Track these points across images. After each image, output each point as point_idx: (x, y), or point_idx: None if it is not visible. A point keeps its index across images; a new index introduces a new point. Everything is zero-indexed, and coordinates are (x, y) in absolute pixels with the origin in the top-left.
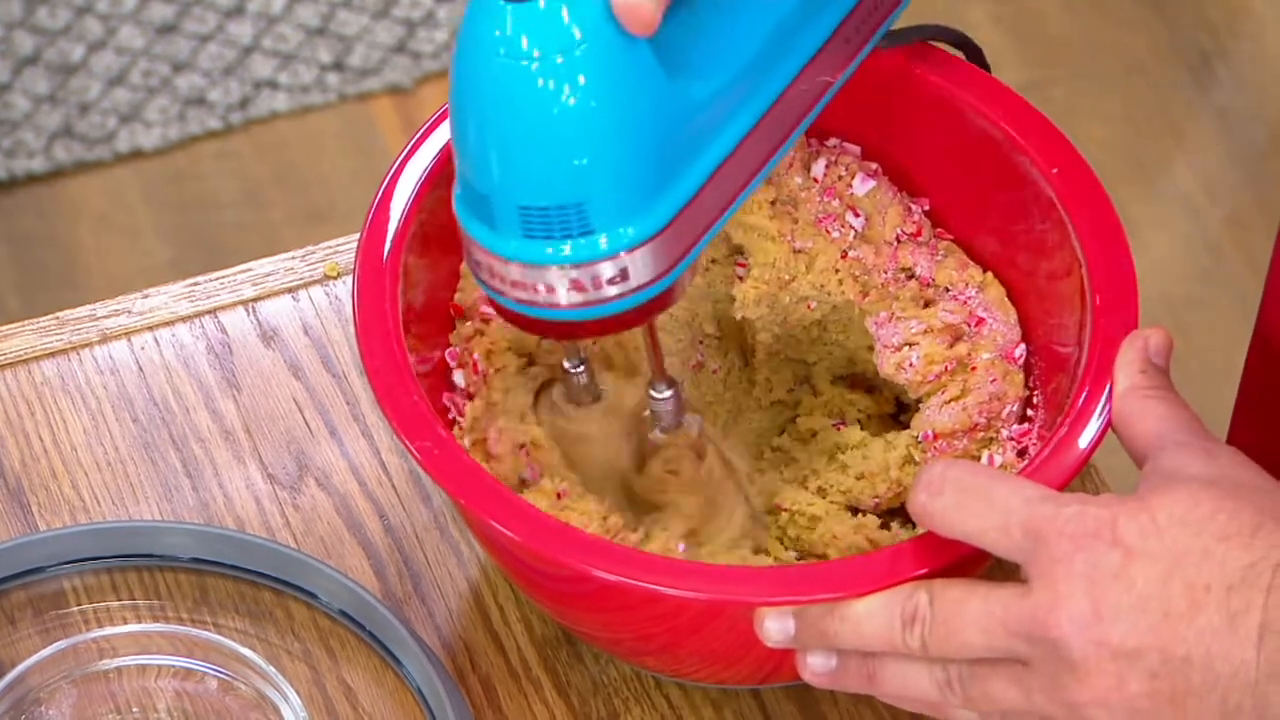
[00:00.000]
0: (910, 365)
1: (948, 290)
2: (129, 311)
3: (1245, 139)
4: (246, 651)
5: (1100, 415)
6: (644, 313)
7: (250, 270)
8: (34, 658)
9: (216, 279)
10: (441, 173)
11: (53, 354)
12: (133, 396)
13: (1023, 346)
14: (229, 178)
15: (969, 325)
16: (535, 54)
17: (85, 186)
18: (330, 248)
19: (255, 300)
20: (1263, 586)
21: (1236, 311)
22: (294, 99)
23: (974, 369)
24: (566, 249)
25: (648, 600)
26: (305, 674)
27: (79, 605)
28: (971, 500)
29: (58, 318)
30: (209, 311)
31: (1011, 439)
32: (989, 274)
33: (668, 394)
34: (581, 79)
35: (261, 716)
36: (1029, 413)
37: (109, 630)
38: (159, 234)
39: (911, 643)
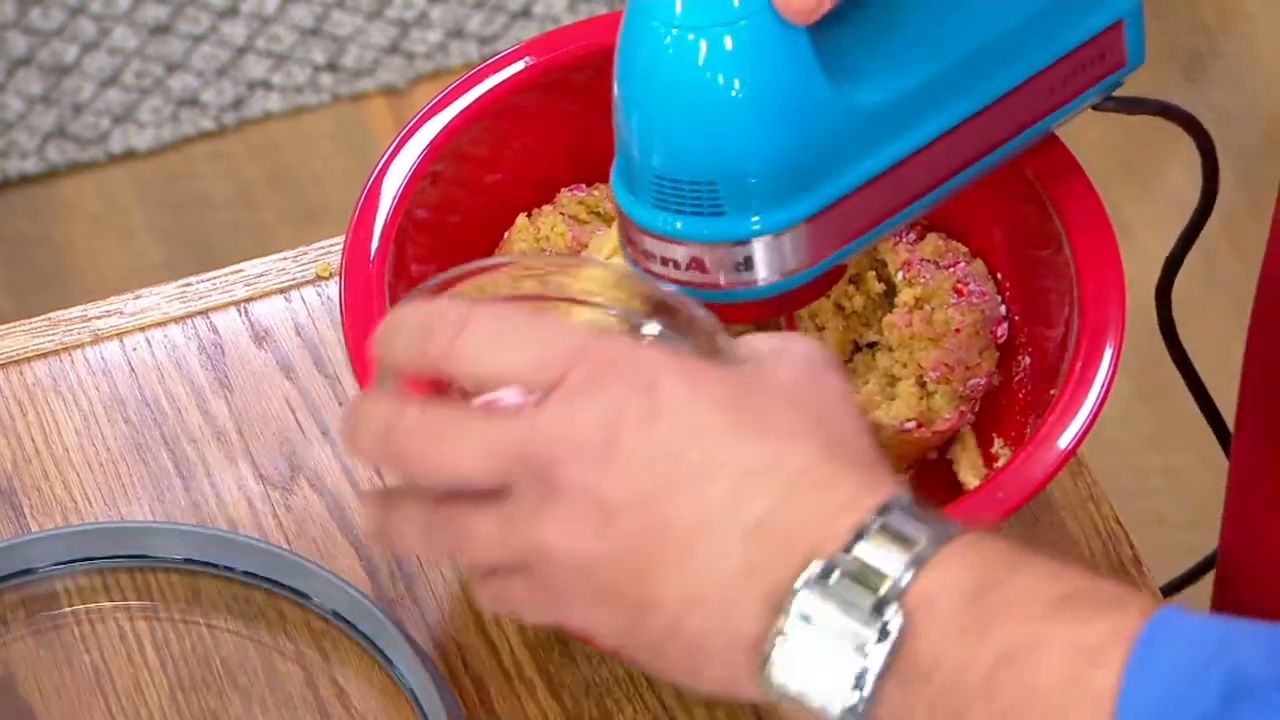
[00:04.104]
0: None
1: (934, 264)
2: (121, 312)
3: (1239, 140)
4: None
5: (1086, 413)
6: (770, 307)
7: (242, 271)
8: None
9: (209, 280)
10: (426, 171)
11: (44, 355)
12: (125, 397)
13: (1005, 326)
14: (222, 178)
15: (955, 296)
16: (687, 22)
17: (78, 187)
18: (323, 248)
19: (247, 301)
20: (780, 482)
21: (1230, 311)
22: (287, 99)
23: (958, 330)
24: (693, 225)
25: None
26: (297, 675)
27: (71, 606)
28: (510, 333)
29: (49, 318)
30: (201, 312)
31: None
32: (978, 259)
33: None
34: (728, 54)
35: None
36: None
37: (100, 630)
38: (152, 235)
39: (431, 350)
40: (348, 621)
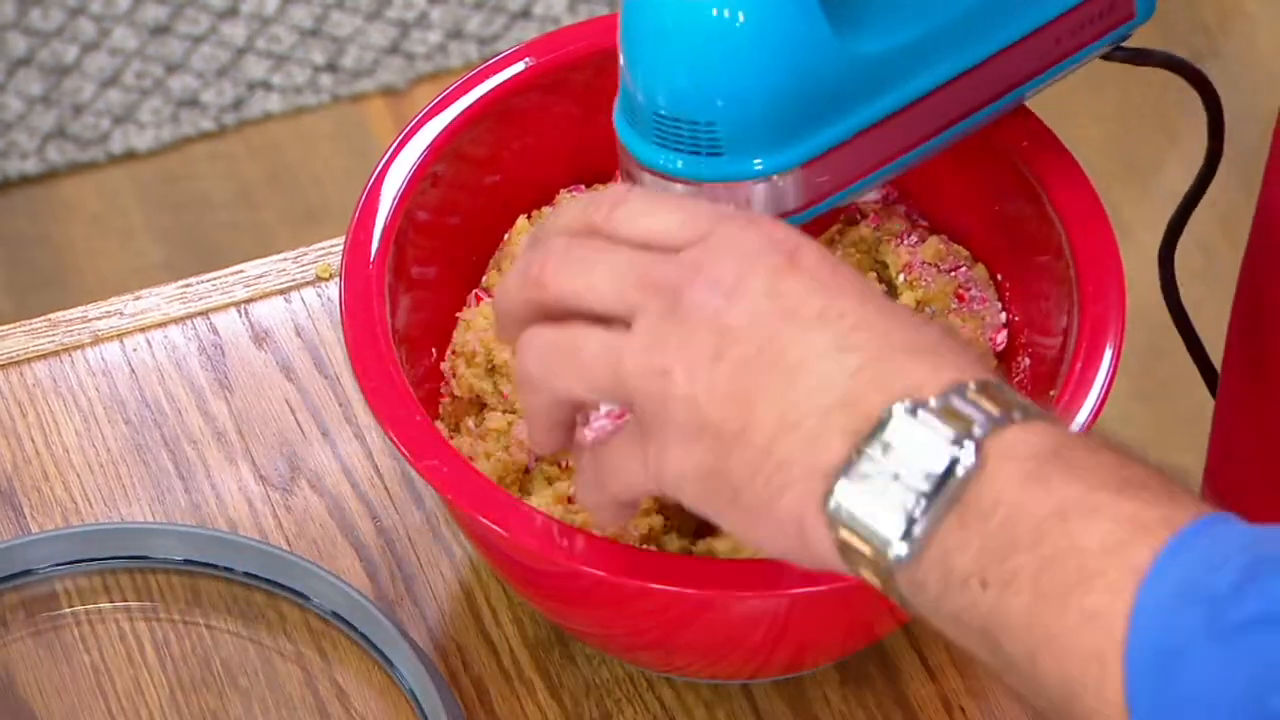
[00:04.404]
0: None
1: (936, 267)
2: (121, 313)
3: (1237, 139)
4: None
5: (1086, 413)
6: None
7: (242, 271)
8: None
9: (209, 280)
10: (426, 172)
11: (44, 355)
12: (125, 398)
13: (1004, 333)
14: (222, 179)
15: (956, 301)
16: None
17: (78, 188)
18: (323, 249)
19: (247, 301)
20: (893, 339)
21: (1228, 308)
22: (287, 100)
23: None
24: (693, 164)
25: (637, 596)
26: (297, 675)
27: (71, 607)
28: (663, 202)
29: (50, 319)
30: (201, 313)
31: None
32: (979, 264)
33: None
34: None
35: None
36: None
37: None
38: (152, 235)
39: (593, 216)
40: (348, 622)
